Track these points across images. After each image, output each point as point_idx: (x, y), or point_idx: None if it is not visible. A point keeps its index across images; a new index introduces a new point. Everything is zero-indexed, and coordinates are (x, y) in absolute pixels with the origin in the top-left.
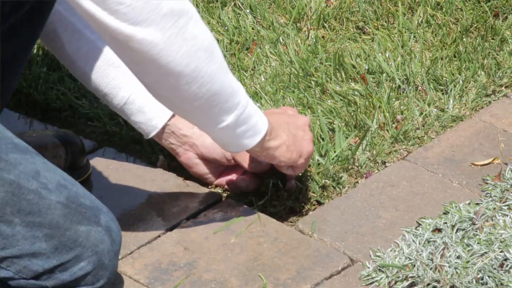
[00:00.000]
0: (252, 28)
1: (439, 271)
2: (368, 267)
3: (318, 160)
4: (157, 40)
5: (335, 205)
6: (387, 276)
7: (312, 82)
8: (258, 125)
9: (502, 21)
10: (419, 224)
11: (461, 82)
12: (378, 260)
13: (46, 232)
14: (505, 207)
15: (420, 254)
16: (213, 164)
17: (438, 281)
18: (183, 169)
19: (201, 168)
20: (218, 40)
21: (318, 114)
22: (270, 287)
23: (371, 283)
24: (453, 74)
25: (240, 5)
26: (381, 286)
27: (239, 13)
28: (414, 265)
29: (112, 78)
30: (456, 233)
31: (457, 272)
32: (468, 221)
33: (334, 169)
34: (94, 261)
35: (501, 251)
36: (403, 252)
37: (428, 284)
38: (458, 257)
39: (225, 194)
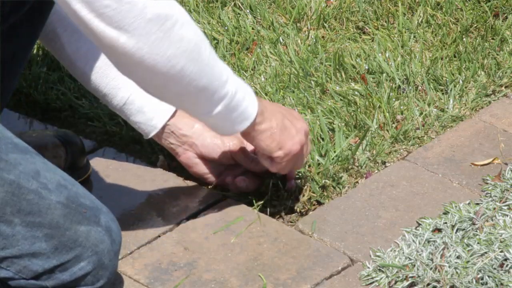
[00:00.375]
0: (252, 28)
1: (439, 271)
2: (368, 267)
3: (318, 160)
4: (142, 44)
5: (335, 205)
6: (387, 276)
7: (312, 82)
8: (248, 111)
9: (502, 21)
10: (419, 224)
11: (461, 82)
12: (378, 260)
13: (46, 232)
14: (505, 207)
15: (420, 254)
16: (213, 164)
17: (438, 281)
18: (183, 169)
19: (201, 168)
20: (218, 40)
21: (318, 114)
22: (270, 287)
23: (371, 283)
24: (453, 74)
25: (240, 5)
26: (381, 286)
27: (239, 13)
28: (414, 265)
29: (112, 78)
30: (456, 233)
31: (457, 272)
32: (468, 221)
33: (334, 169)
34: (94, 261)
35: (501, 251)
36: (403, 252)
37: (428, 284)
38: (458, 257)
39: (225, 194)
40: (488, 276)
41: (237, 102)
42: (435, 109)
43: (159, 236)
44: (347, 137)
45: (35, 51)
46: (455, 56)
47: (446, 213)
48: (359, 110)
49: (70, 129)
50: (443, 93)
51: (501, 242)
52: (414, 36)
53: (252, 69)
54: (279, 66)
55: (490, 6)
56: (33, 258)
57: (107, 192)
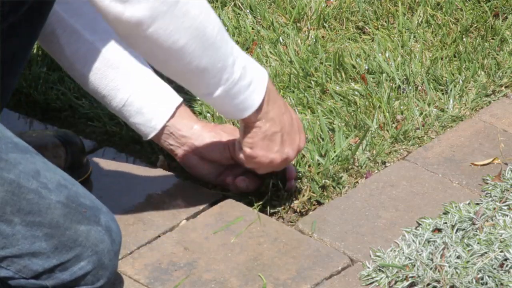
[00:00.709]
0: (252, 28)
1: (439, 271)
2: (368, 267)
3: (318, 160)
4: (146, 18)
5: (335, 205)
6: (387, 276)
7: (312, 82)
8: (249, 102)
9: (502, 21)
10: (419, 224)
11: (461, 82)
12: (378, 260)
13: (46, 231)
14: (505, 207)
15: (420, 254)
16: (213, 164)
17: (438, 281)
18: (183, 169)
19: (201, 169)
20: None
21: (318, 114)
22: (270, 287)
23: (371, 283)
24: (453, 74)
25: (240, 5)
26: (381, 286)
27: (239, 13)
28: (414, 265)
29: (111, 79)
30: (456, 233)
31: (457, 272)
32: (468, 221)
33: (334, 169)
34: (94, 261)
35: (501, 251)
36: (403, 252)
37: (428, 284)
38: (458, 257)
39: (225, 194)
40: (488, 276)
41: (239, 89)
42: (435, 109)
43: (159, 236)
44: (347, 137)
45: (35, 51)
46: (455, 56)
47: (446, 213)
48: (359, 110)
49: (70, 129)
50: (443, 93)
51: (501, 242)
52: (414, 36)
53: None
54: (279, 66)
55: (490, 6)
56: (33, 258)
57: (107, 192)
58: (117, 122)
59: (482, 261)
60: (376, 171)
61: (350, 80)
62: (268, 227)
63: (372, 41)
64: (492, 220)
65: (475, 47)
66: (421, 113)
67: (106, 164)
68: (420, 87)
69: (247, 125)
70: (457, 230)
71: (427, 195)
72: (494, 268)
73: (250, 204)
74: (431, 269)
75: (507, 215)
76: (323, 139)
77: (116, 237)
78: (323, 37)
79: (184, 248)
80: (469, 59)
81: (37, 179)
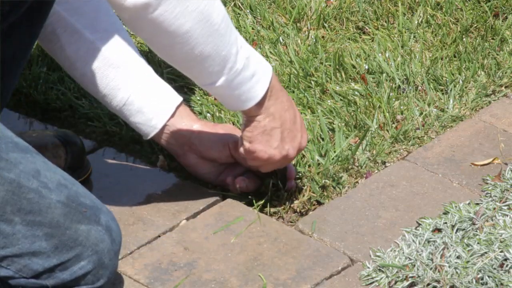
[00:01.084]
0: (252, 28)
1: (439, 271)
2: (368, 267)
3: (318, 160)
4: (152, 0)
5: (335, 205)
6: (387, 276)
7: (312, 82)
8: (251, 93)
9: (502, 21)
10: (419, 224)
11: (461, 82)
12: (378, 260)
13: (46, 231)
14: (505, 207)
15: (420, 254)
16: (213, 163)
17: (438, 281)
18: (183, 169)
19: (201, 168)
20: None
21: (318, 114)
22: (270, 287)
23: (371, 283)
24: (453, 74)
25: (240, 5)
26: (381, 286)
27: (239, 13)
28: (414, 265)
29: (112, 79)
30: (456, 233)
31: (457, 272)
32: (468, 221)
33: (334, 169)
34: (94, 261)
35: (501, 251)
36: (403, 252)
37: (428, 284)
38: (458, 257)
39: (225, 194)
40: (488, 276)
41: (241, 79)
42: (435, 109)
43: (159, 236)
44: (347, 137)
45: (35, 51)
46: (455, 56)
47: (446, 213)
48: (359, 110)
49: (70, 129)
50: (443, 93)
51: (501, 242)
52: (414, 36)
53: None
54: (279, 66)
55: (490, 6)
56: (33, 257)
57: (107, 192)
58: (117, 122)
59: (482, 261)
60: (376, 171)
61: (350, 80)
62: (268, 227)
63: (372, 41)
64: (492, 220)
65: (475, 47)
66: (421, 113)
67: (106, 164)
68: (420, 87)
69: (248, 119)
70: (457, 230)
71: (427, 195)
72: (494, 268)
73: (250, 204)
74: (431, 269)
75: (507, 215)
76: (323, 139)
77: (116, 237)
78: (323, 37)
79: (184, 248)
80: (469, 59)
81: (37, 179)
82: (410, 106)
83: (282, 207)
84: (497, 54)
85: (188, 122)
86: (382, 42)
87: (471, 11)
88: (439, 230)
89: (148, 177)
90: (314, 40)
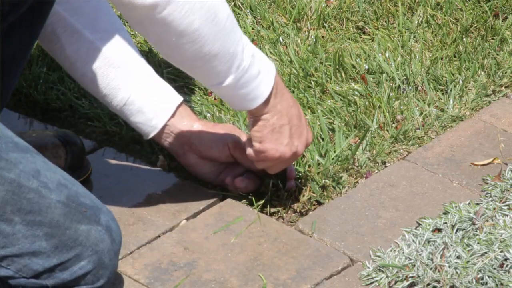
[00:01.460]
0: (252, 28)
1: (439, 271)
2: (368, 267)
3: (318, 160)
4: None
5: (335, 205)
6: (387, 276)
7: (312, 82)
8: (259, 91)
9: (502, 21)
10: (419, 224)
11: (461, 82)
12: (378, 260)
13: (46, 231)
14: (505, 207)
15: (420, 254)
16: (213, 163)
17: (438, 281)
18: (183, 169)
19: (201, 168)
20: None
21: (318, 114)
22: (270, 287)
23: (371, 283)
24: (453, 74)
25: (240, 5)
26: (381, 286)
27: (239, 13)
28: (414, 265)
29: (112, 78)
30: (456, 233)
31: (457, 272)
32: (468, 221)
33: (334, 169)
34: (94, 260)
35: (501, 251)
36: (403, 252)
37: (428, 284)
38: (458, 257)
39: (225, 194)
40: (488, 276)
41: (248, 78)
42: (435, 109)
43: (159, 236)
44: (347, 137)
45: (35, 51)
46: (455, 56)
47: (446, 213)
48: (359, 110)
49: (70, 129)
50: (443, 93)
51: (501, 242)
52: (414, 36)
53: None
54: (279, 66)
55: (490, 6)
56: (34, 257)
57: (107, 192)
58: (117, 122)
59: (482, 261)
60: (376, 171)
61: (350, 80)
62: (268, 227)
63: (372, 41)
64: (492, 220)
65: (475, 47)
66: (421, 113)
67: (106, 164)
68: (420, 87)
69: (255, 119)
70: (457, 230)
71: (427, 195)
72: (494, 268)
73: (250, 204)
74: (431, 269)
75: (507, 215)
76: (323, 139)
77: (116, 237)
78: (323, 37)
79: (184, 248)
80: (469, 59)
81: (37, 179)
82: (410, 106)
83: (282, 207)
84: (497, 54)
85: (189, 122)
86: (382, 42)
87: (471, 11)
88: (439, 230)
89: (148, 177)
90: (314, 40)
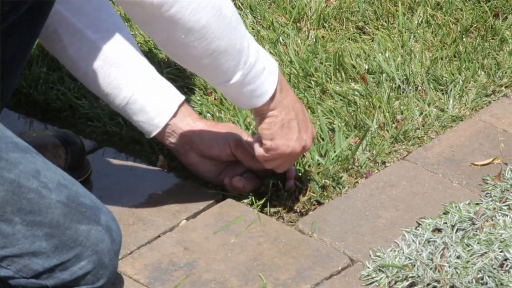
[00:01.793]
0: (252, 28)
1: (439, 271)
2: (368, 267)
3: (318, 160)
4: None
5: (335, 205)
6: (387, 276)
7: (312, 82)
8: (264, 87)
9: (502, 21)
10: (419, 224)
11: (461, 82)
12: (378, 260)
13: (46, 231)
14: (505, 207)
15: (420, 254)
16: (214, 162)
17: (438, 281)
18: (183, 169)
19: (202, 167)
20: None
21: (318, 114)
22: (270, 287)
23: (371, 283)
24: (453, 74)
25: (240, 5)
26: (381, 286)
27: (239, 13)
28: (414, 265)
29: (114, 78)
30: (456, 233)
31: (457, 272)
32: (468, 221)
33: (334, 169)
34: (94, 260)
35: (501, 251)
36: (403, 252)
37: (428, 284)
38: (458, 257)
39: (225, 194)
40: (488, 276)
41: (256, 73)
42: (435, 109)
43: (159, 236)
44: (347, 137)
45: (35, 51)
46: (455, 56)
47: (446, 213)
48: (359, 110)
49: (70, 129)
50: (443, 93)
51: (501, 242)
52: (414, 36)
53: None
54: (279, 66)
55: (490, 6)
56: (34, 257)
57: (107, 192)
58: (117, 122)
59: (482, 261)
60: (376, 171)
61: (350, 80)
62: (268, 227)
63: (372, 41)
64: (492, 220)
65: (475, 47)
66: (421, 113)
67: (106, 164)
68: (420, 87)
69: (262, 117)
70: (457, 230)
71: (427, 195)
72: (494, 268)
73: (250, 204)
74: (431, 269)
75: (507, 215)
76: (323, 139)
77: (116, 237)
78: (323, 37)
79: (184, 248)
80: (469, 59)
81: (37, 179)
82: (410, 106)
83: (282, 207)
84: (497, 54)
85: (190, 121)
86: (382, 42)
87: (471, 11)
88: (439, 230)
89: (148, 177)
90: (314, 40)
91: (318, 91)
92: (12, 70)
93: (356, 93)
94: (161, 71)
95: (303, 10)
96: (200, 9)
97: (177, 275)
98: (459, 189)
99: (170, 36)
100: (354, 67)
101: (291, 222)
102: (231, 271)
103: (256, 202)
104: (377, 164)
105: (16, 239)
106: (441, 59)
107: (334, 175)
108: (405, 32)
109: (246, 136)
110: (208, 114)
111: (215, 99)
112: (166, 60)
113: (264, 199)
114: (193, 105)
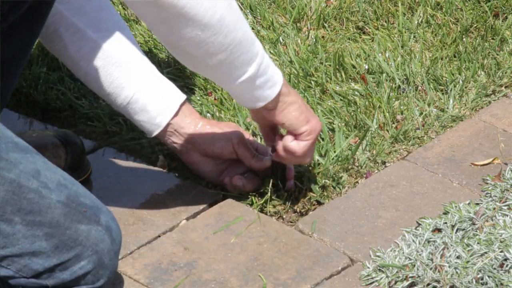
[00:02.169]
0: (252, 28)
1: (439, 271)
2: (368, 267)
3: (318, 160)
4: None
5: (335, 205)
6: (387, 276)
7: (312, 82)
8: (275, 76)
9: (502, 21)
10: (419, 224)
11: (461, 82)
12: (378, 260)
13: (46, 231)
14: (505, 207)
15: (420, 254)
16: (215, 161)
17: (438, 281)
18: (183, 169)
19: (203, 166)
20: None
21: (318, 114)
22: (270, 287)
23: (371, 283)
24: (453, 74)
25: (240, 5)
26: (381, 286)
27: None
28: (414, 265)
29: (115, 77)
30: (456, 233)
31: (457, 272)
32: (468, 221)
33: (334, 169)
34: (94, 260)
35: (501, 251)
36: (403, 252)
37: (428, 284)
38: (458, 257)
39: (225, 194)
40: (488, 276)
41: (266, 64)
42: (435, 109)
43: (159, 236)
44: (347, 137)
45: (35, 51)
46: (455, 56)
47: (446, 213)
48: (359, 110)
49: (70, 129)
50: (443, 93)
51: (501, 242)
52: (414, 36)
53: None
54: (279, 66)
55: (490, 6)
56: (34, 257)
57: (107, 192)
58: (117, 122)
59: (482, 261)
60: (376, 171)
61: (350, 80)
62: (268, 227)
63: (372, 41)
64: (492, 220)
65: (475, 47)
66: (421, 113)
67: (106, 164)
68: (420, 87)
69: (278, 109)
70: (457, 230)
71: (427, 195)
72: (494, 268)
73: (250, 204)
74: (431, 269)
75: (507, 215)
76: (323, 139)
77: (116, 237)
78: (323, 37)
79: (184, 248)
80: (469, 59)
81: (37, 179)
82: (410, 106)
83: (282, 207)
84: (497, 54)
85: (192, 120)
86: (382, 42)
87: (471, 11)
88: (439, 230)
89: (148, 177)
90: (314, 40)
91: (318, 91)
92: (12, 70)
93: (356, 93)
94: (161, 71)
95: (303, 10)
96: (212, 4)
97: (177, 275)
98: (459, 189)
99: (187, 35)
100: (354, 67)
101: (291, 222)
102: (231, 271)
103: (256, 202)
104: (377, 164)
105: (16, 239)
106: (441, 59)
107: (334, 175)
108: (405, 32)
109: (247, 135)
110: (208, 114)
111: (215, 99)
112: (166, 60)
113: (264, 199)
114: (193, 105)
